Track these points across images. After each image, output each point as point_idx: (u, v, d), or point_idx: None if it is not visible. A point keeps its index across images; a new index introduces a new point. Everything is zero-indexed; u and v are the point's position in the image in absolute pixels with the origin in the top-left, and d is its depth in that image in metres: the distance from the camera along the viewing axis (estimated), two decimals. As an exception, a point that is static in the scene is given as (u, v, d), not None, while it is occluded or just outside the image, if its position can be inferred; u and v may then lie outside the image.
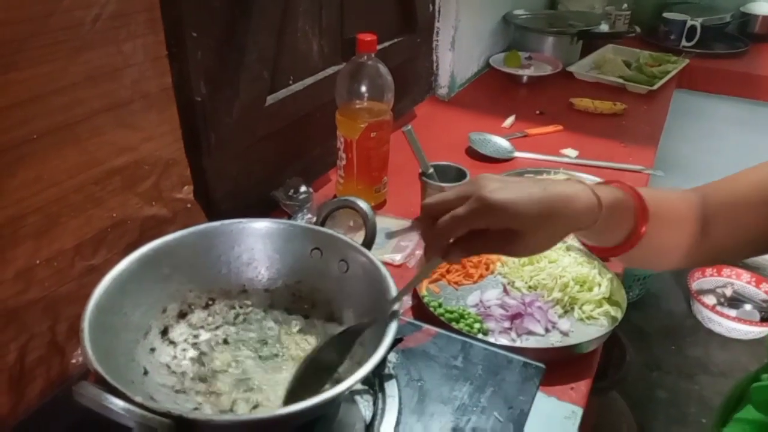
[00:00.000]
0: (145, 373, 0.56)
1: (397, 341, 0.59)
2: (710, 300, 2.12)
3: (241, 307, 0.66)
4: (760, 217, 0.58)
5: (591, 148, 1.32)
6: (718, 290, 2.16)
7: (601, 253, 0.59)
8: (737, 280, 2.16)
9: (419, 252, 0.93)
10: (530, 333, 0.80)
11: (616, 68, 1.75)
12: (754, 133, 2.11)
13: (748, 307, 2.10)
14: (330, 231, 0.66)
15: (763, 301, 2.10)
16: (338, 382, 0.48)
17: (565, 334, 0.80)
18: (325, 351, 0.58)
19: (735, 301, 2.13)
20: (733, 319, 2.02)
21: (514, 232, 0.49)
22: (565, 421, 0.69)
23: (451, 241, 0.50)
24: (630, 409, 1.68)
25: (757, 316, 2.07)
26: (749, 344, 2.05)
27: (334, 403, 0.55)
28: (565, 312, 0.84)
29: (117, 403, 0.42)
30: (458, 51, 1.54)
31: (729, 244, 0.60)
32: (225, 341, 0.63)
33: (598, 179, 1.15)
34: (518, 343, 0.78)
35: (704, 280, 2.19)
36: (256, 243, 0.66)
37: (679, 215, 0.59)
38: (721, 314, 2.04)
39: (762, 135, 2.09)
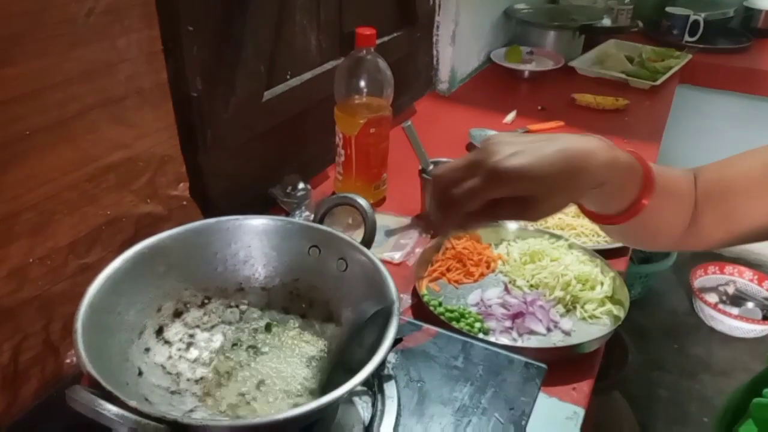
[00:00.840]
0: (140, 373, 0.55)
1: (396, 341, 0.58)
2: (712, 298, 2.12)
3: (237, 306, 0.65)
4: (744, 204, 0.56)
5: (593, 145, 1.31)
6: (721, 288, 2.15)
7: (599, 220, 0.56)
8: (740, 278, 2.15)
9: (419, 250, 0.92)
10: (532, 332, 0.79)
11: (619, 63, 1.74)
12: (757, 128, 2.09)
13: (750, 305, 2.09)
14: (328, 229, 0.64)
15: (766, 299, 2.09)
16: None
17: (567, 333, 0.79)
18: (349, 348, 0.55)
19: (737, 299, 2.12)
20: (736, 317, 2.01)
21: (532, 196, 0.46)
22: (566, 421, 0.69)
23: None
24: (631, 408, 1.67)
25: (759, 315, 2.06)
26: (751, 343, 2.04)
27: (333, 406, 0.54)
28: (567, 311, 0.83)
29: (110, 409, 0.41)
30: (459, 46, 1.53)
31: (714, 230, 0.59)
32: (221, 341, 0.62)
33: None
34: (519, 343, 0.77)
35: (706, 278, 2.18)
36: (253, 240, 0.65)
37: (681, 193, 0.57)
38: (724, 312, 2.03)
39: (765, 131, 2.08)
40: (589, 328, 0.80)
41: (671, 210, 0.57)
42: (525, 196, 0.46)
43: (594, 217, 0.56)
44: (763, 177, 0.56)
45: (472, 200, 0.46)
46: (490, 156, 0.45)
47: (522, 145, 0.46)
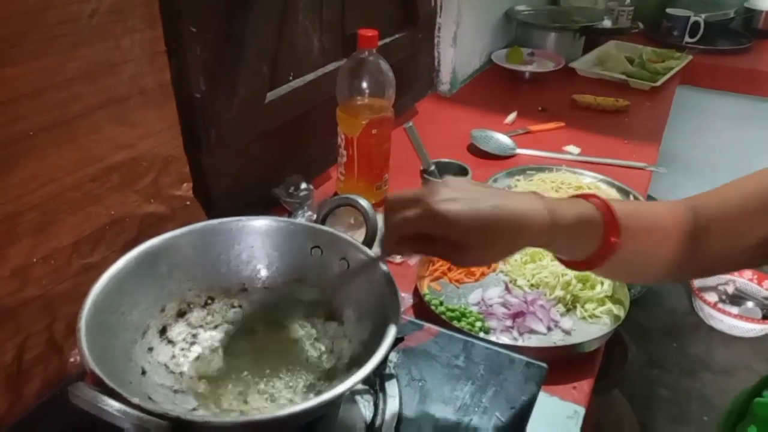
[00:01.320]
0: (143, 373, 0.55)
1: (398, 341, 0.58)
2: (712, 297, 2.12)
3: (240, 306, 0.65)
4: (757, 226, 0.56)
5: (593, 145, 1.31)
6: (720, 287, 2.15)
7: (573, 267, 0.56)
8: (739, 277, 2.16)
9: (420, 250, 0.93)
10: (532, 332, 0.79)
11: (619, 64, 1.74)
12: (757, 129, 2.10)
13: (750, 304, 2.09)
14: (331, 229, 0.65)
15: (765, 299, 2.10)
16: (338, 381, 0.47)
17: (567, 332, 0.80)
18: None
19: (737, 298, 2.12)
20: (735, 316, 2.01)
21: (462, 243, 0.48)
22: (567, 420, 0.69)
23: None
24: (631, 407, 1.68)
25: (759, 314, 2.06)
26: (751, 342, 2.04)
27: (334, 403, 0.55)
28: (568, 310, 0.83)
29: (113, 405, 0.41)
30: (460, 47, 1.53)
31: (726, 255, 0.58)
32: (224, 340, 0.62)
33: (601, 176, 1.15)
34: (520, 342, 0.78)
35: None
36: (256, 241, 0.65)
37: (663, 227, 0.57)
38: (723, 312, 2.03)
39: (766, 131, 2.08)
40: (589, 327, 0.80)
41: (652, 246, 0.57)
42: (455, 241, 0.48)
43: (567, 264, 0.57)
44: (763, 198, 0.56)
45: (404, 228, 0.50)
46: (431, 195, 0.49)
47: (464, 193, 0.49)
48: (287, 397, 0.57)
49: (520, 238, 0.50)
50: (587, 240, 0.53)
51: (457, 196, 0.48)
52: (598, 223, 0.52)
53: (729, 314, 2.02)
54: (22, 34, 0.55)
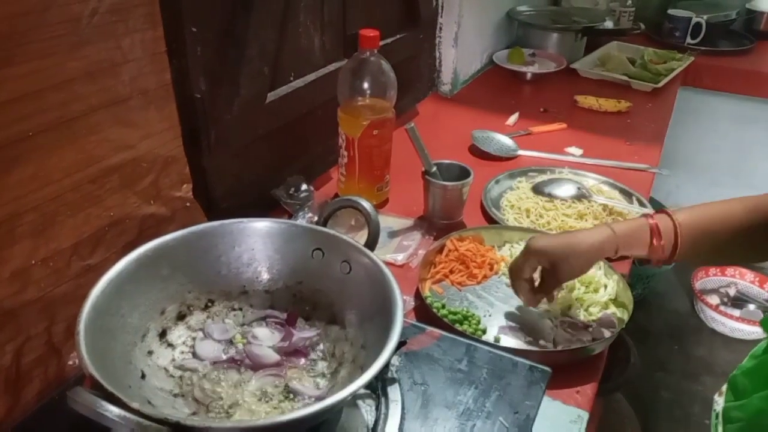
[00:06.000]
0: (143, 376, 0.54)
1: (400, 344, 0.58)
2: (714, 300, 2.11)
3: (240, 309, 0.65)
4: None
5: (595, 147, 1.31)
6: (722, 290, 2.14)
7: (654, 264, 0.74)
8: (741, 279, 2.15)
9: (422, 252, 0.92)
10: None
11: (621, 65, 1.73)
12: (759, 130, 2.09)
13: (751, 306, 2.09)
14: (332, 231, 0.64)
15: (767, 301, 2.09)
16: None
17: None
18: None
19: (739, 300, 2.11)
20: (737, 319, 2.00)
21: (552, 265, 0.72)
22: (570, 425, 0.68)
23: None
24: (633, 410, 1.67)
25: (760, 316, 2.05)
26: (753, 344, 2.01)
27: (336, 408, 0.54)
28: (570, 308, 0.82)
29: (112, 410, 0.41)
30: (461, 47, 1.52)
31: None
32: (224, 344, 0.62)
33: (603, 178, 1.14)
34: (524, 346, 0.77)
35: (708, 279, 2.18)
36: (257, 243, 0.65)
37: (726, 219, 0.72)
38: (725, 314, 2.02)
39: (767, 132, 2.08)
40: (592, 330, 0.80)
41: (717, 237, 0.72)
42: (551, 262, 0.72)
43: (645, 263, 0.78)
44: None
45: (522, 272, 0.75)
46: (527, 242, 0.75)
47: (550, 235, 0.80)
48: (288, 401, 0.57)
49: (590, 248, 0.72)
50: (635, 249, 0.73)
51: (545, 237, 0.75)
52: (645, 231, 0.72)
53: (731, 317, 2.01)
54: (22, 34, 0.55)
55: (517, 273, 0.75)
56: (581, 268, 0.73)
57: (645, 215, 0.75)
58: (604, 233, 0.72)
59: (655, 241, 0.71)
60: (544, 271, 0.75)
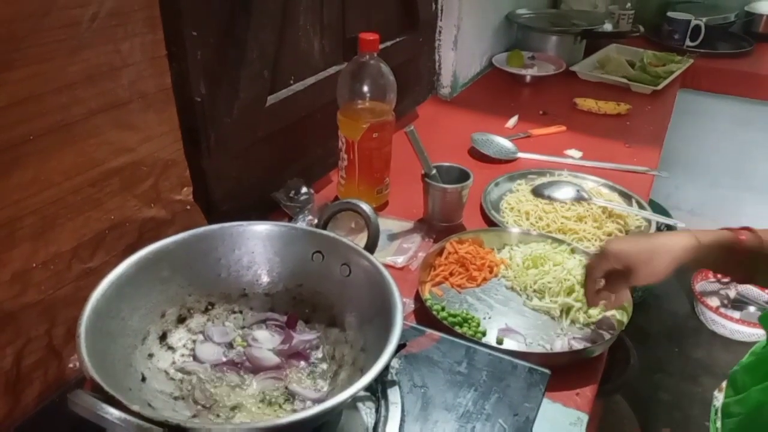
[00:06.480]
0: (143, 379, 0.54)
1: (400, 347, 0.58)
2: (714, 302, 2.11)
3: (241, 312, 0.65)
4: None
5: (595, 149, 1.31)
6: (722, 292, 2.14)
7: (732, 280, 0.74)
8: (741, 281, 2.15)
9: (421, 254, 0.92)
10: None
11: (620, 68, 1.74)
12: (758, 132, 2.10)
13: (751, 308, 2.09)
14: (332, 234, 0.64)
15: (767, 303, 2.09)
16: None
17: (571, 338, 0.79)
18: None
19: (738, 302, 2.11)
20: (737, 321, 2.00)
21: (628, 267, 0.70)
22: (570, 427, 0.68)
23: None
24: (633, 412, 1.67)
25: (760, 318, 2.05)
26: (752, 346, 2.03)
27: (336, 411, 0.54)
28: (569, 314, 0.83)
29: (112, 413, 0.41)
30: (461, 50, 1.53)
31: None
32: (224, 346, 0.62)
33: (603, 180, 1.15)
34: (526, 348, 0.77)
35: (708, 281, 2.17)
36: (257, 246, 0.65)
37: None
38: (725, 316, 2.02)
39: (767, 135, 2.08)
40: (592, 332, 0.80)
41: None
42: (627, 266, 0.70)
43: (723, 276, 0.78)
44: None
45: (594, 272, 0.73)
46: (605, 244, 0.73)
47: (628, 238, 0.80)
48: (288, 404, 0.57)
49: (670, 252, 0.69)
50: (724, 256, 0.69)
51: (624, 239, 0.76)
52: (731, 244, 0.69)
53: (731, 319, 2.01)
54: (23, 38, 0.55)
55: (590, 272, 0.74)
56: (658, 274, 0.70)
57: (728, 228, 0.72)
58: (687, 241, 0.69)
59: (739, 256, 0.69)
60: (615, 273, 0.72)
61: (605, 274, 0.72)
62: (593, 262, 0.73)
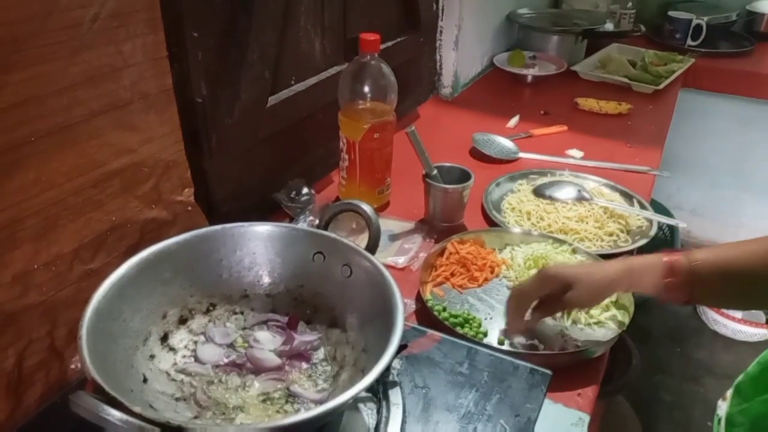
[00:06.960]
0: (145, 380, 0.55)
1: (401, 348, 0.58)
2: (715, 301, 2.11)
3: (242, 313, 0.65)
4: None
5: (596, 149, 1.31)
6: (724, 291, 2.14)
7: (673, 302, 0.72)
8: (743, 281, 2.14)
9: (423, 255, 0.92)
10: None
11: (621, 67, 1.74)
12: (760, 132, 2.09)
13: (753, 308, 2.09)
14: (333, 235, 0.64)
15: (769, 303, 2.08)
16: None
17: (572, 339, 0.79)
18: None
19: (740, 302, 2.11)
20: (739, 320, 2.00)
21: (569, 284, 0.70)
22: (572, 428, 0.68)
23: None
24: (635, 412, 1.67)
25: (762, 318, 2.05)
26: (755, 346, 2.03)
27: (337, 412, 0.54)
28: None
29: (114, 414, 0.41)
30: (462, 50, 1.53)
31: None
32: (225, 347, 0.62)
33: (604, 180, 1.14)
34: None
35: (709, 281, 2.17)
36: (258, 247, 0.65)
37: (748, 261, 0.67)
38: (727, 316, 2.02)
39: (768, 134, 2.08)
40: (594, 333, 0.80)
41: (738, 281, 0.68)
42: (565, 286, 0.70)
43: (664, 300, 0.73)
44: None
45: (530, 295, 0.73)
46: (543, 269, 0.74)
47: (565, 265, 0.80)
48: (289, 405, 0.57)
49: (603, 279, 0.71)
50: (652, 280, 0.69)
51: (557, 265, 0.76)
52: (658, 268, 0.69)
53: (733, 319, 2.01)
54: (24, 40, 0.55)
55: (524, 296, 0.73)
56: (590, 298, 0.72)
57: (665, 251, 0.72)
58: (621, 265, 0.72)
59: (666, 279, 0.69)
60: (550, 296, 0.72)
61: (541, 298, 0.73)
62: (527, 286, 0.73)
